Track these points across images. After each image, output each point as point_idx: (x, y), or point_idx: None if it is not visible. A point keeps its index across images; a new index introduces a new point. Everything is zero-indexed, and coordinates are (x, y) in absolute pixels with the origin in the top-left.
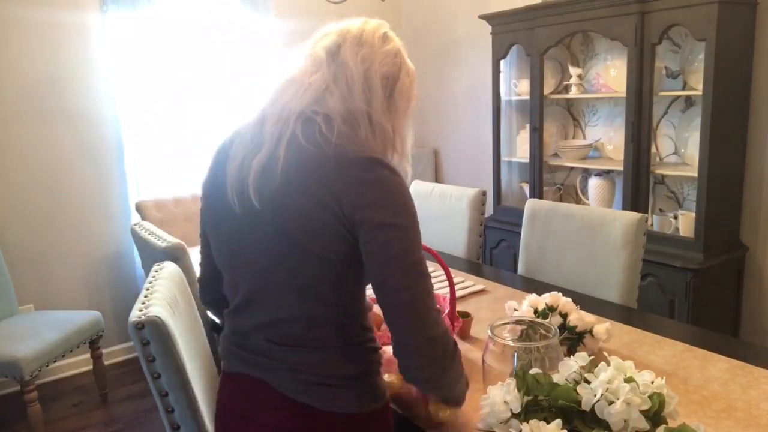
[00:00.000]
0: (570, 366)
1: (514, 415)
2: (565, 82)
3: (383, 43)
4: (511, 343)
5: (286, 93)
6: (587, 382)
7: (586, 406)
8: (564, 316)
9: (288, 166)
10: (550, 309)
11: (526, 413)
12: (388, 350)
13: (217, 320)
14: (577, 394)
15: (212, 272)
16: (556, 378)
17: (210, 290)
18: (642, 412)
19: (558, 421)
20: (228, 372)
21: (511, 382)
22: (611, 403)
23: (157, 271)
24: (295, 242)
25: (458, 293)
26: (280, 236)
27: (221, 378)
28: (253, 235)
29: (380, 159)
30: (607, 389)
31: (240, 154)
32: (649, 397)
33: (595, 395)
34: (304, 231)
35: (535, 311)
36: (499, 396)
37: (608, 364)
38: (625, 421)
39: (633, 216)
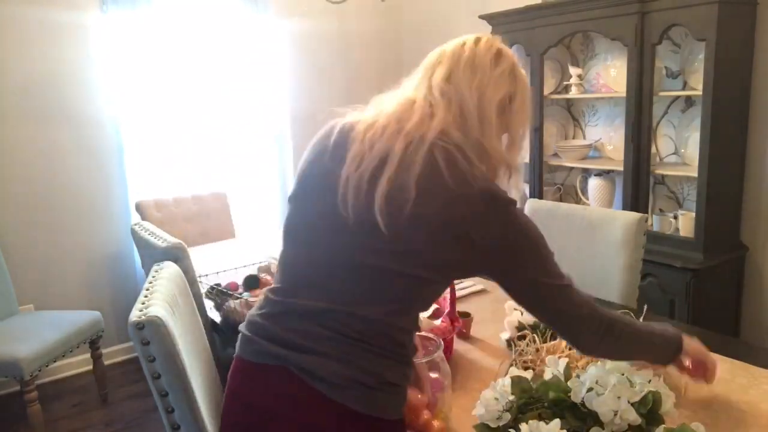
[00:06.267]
0: (559, 363)
1: (506, 411)
2: (565, 82)
3: (496, 64)
4: None
5: (413, 115)
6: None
7: (575, 398)
8: None
9: (419, 192)
10: None
11: (520, 413)
12: None
13: (218, 320)
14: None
15: None
16: (546, 376)
17: None
18: (636, 408)
19: (557, 421)
20: (246, 360)
21: (501, 382)
22: (601, 394)
23: (157, 271)
24: (403, 263)
25: (458, 293)
26: (391, 254)
27: (235, 365)
28: (353, 238)
29: (507, 198)
30: (597, 382)
31: (356, 164)
32: (642, 394)
33: (585, 387)
34: (421, 256)
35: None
36: (491, 396)
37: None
38: (615, 413)
39: (633, 216)
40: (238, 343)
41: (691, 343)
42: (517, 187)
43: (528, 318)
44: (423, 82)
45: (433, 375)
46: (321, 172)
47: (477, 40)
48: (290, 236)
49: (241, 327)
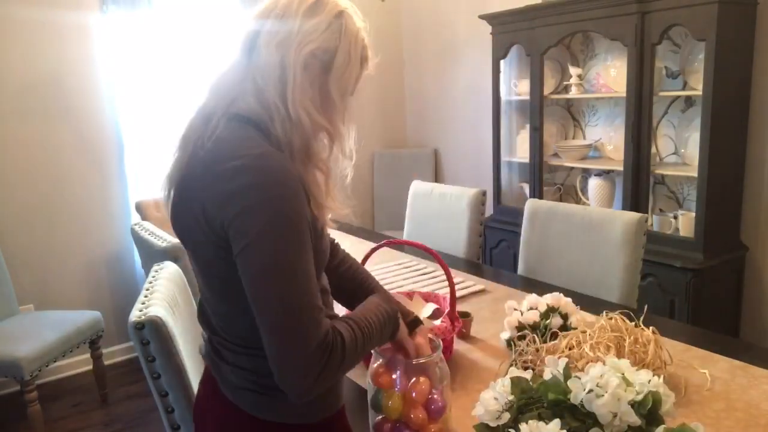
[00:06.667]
0: (559, 363)
1: (506, 411)
2: (565, 82)
3: (310, 16)
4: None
5: (219, 89)
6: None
7: (575, 400)
8: (565, 317)
9: (186, 178)
10: (551, 310)
11: (520, 413)
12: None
13: None
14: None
15: None
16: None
17: None
18: (635, 408)
19: (557, 421)
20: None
21: (500, 382)
22: (601, 396)
23: (157, 271)
24: (201, 257)
25: (458, 293)
26: (192, 248)
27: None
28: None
29: (253, 161)
30: (597, 384)
31: (175, 166)
32: (643, 394)
33: (584, 389)
34: (201, 248)
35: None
36: (490, 396)
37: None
38: (615, 415)
39: (633, 216)
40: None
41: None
42: (344, 153)
43: (528, 317)
44: (238, 45)
45: (434, 396)
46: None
47: None
48: None
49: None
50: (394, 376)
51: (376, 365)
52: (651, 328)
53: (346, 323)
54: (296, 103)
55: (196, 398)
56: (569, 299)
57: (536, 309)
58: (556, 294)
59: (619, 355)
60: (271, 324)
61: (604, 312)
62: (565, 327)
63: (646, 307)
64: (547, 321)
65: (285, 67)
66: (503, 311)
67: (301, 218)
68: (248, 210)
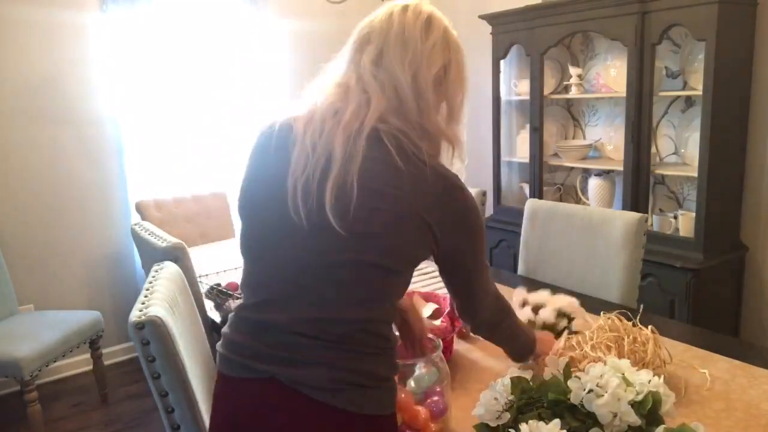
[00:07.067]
0: (559, 363)
1: (506, 411)
2: (565, 82)
3: (427, 34)
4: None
5: (348, 105)
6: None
7: (575, 400)
8: (570, 318)
9: (365, 183)
10: (561, 315)
11: (520, 413)
12: None
13: (218, 320)
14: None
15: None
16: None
17: None
18: (635, 408)
19: (557, 421)
20: (234, 376)
21: (500, 382)
22: (601, 396)
23: (157, 271)
24: (364, 259)
25: None
26: (351, 252)
27: (222, 383)
28: (312, 243)
29: (458, 181)
30: (597, 384)
31: (302, 167)
32: (643, 394)
33: (584, 389)
34: (384, 246)
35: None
36: (490, 396)
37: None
38: (615, 415)
39: (633, 216)
40: (218, 362)
41: (542, 345)
42: (461, 159)
43: (523, 315)
44: (353, 64)
45: (434, 398)
46: (266, 178)
47: (404, 8)
48: (248, 251)
49: (219, 346)
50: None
51: None
52: (650, 327)
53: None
54: (431, 120)
55: (229, 413)
56: (574, 299)
57: (540, 307)
58: (568, 297)
59: (620, 354)
60: (481, 285)
61: (602, 312)
62: (569, 330)
63: (642, 306)
64: (563, 323)
65: (418, 85)
66: None
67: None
68: (461, 211)
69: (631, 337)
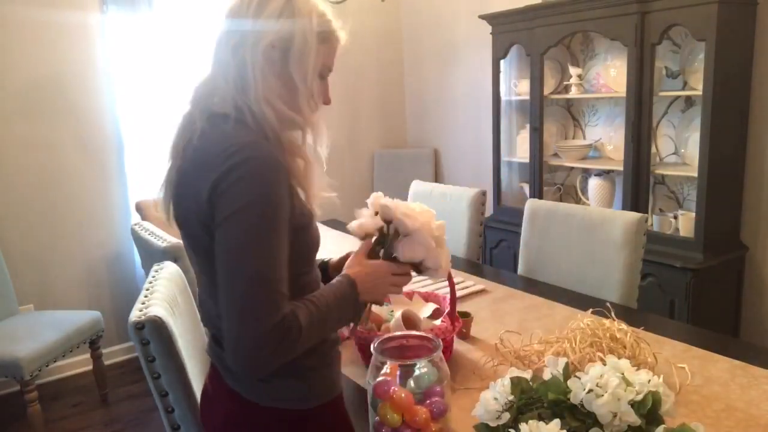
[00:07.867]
0: (558, 363)
1: (506, 411)
2: (565, 82)
3: (261, 9)
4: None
5: (197, 94)
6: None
7: (575, 400)
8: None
9: (184, 173)
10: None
11: (520, 413)
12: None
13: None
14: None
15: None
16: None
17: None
18: (635, 407)
19: (557, 421)
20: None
21: (500, 382)
22: (600, 396)
23: (157, 271)
24: (203, 249)
25: (458, 293)
26: (193, 243)
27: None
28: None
29: (257, 155)
30: (597, 384)
31: (169, 161)
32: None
33: (584, 389)
34: (201, 238)
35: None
36: (490, 396)
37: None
38: (615, 415)
39: (633, 216)
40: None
41: (355, 271)
42: (321, 144)
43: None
44: (207, 49)
45: (434, 398)
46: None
47: None
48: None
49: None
50: (394, 387)
51: (379, 380)
52: (637, 327)
53: (305, 306)
54: (260, 100)
55: (203, 392)
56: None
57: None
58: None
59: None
60: (233, 298)
61: (579, 315)
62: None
63: (609, 304)
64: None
65: (244, 65)
66: (503, 311)
67: (281, 205)
68: (233, 187)
69: (607, 335)
